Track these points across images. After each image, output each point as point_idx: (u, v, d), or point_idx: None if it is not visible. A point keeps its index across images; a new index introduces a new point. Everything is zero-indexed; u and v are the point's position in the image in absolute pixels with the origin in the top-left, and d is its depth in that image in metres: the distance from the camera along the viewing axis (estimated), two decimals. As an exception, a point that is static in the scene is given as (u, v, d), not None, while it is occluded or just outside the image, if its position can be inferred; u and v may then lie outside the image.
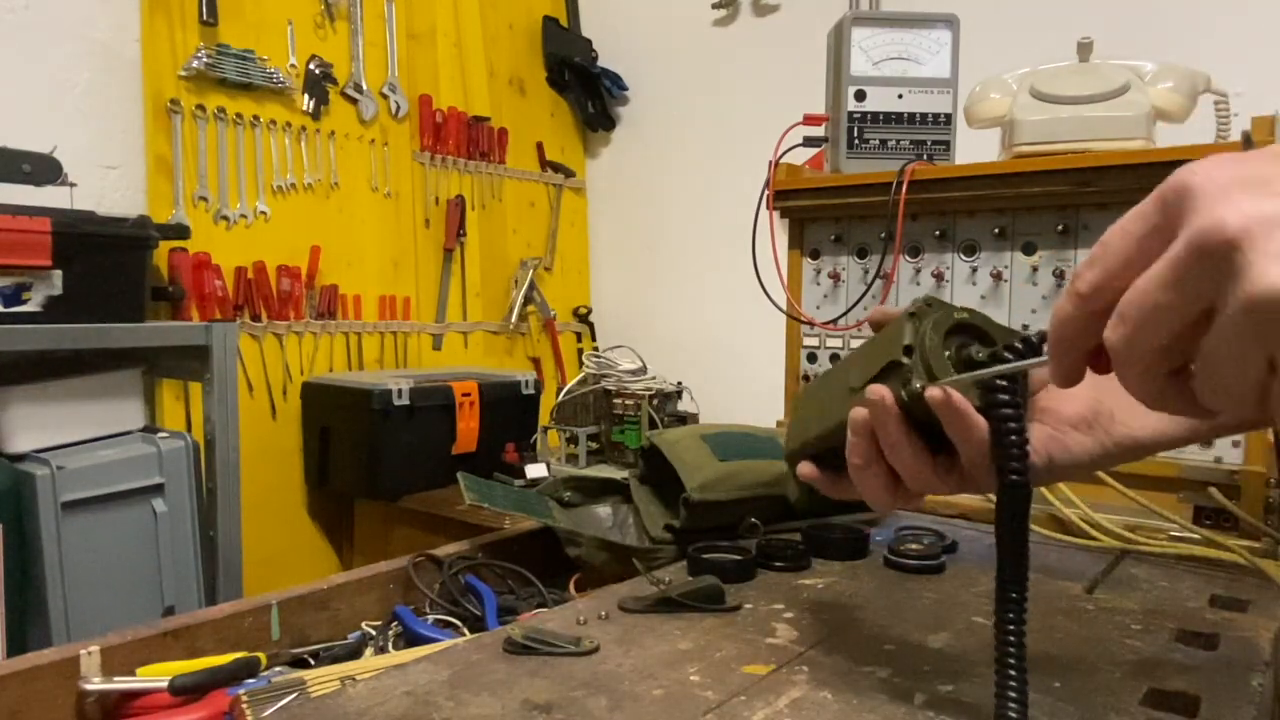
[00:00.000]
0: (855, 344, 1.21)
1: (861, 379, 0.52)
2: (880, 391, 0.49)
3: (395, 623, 0.79)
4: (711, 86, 2.68)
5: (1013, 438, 0.47)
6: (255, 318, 2.09)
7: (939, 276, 1.14)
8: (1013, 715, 0.47)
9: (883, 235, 1.14)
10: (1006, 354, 0.46)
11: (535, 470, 2.00)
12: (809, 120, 1.23)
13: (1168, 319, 0.35)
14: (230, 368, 1.70)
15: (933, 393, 0.47)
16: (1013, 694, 0.47)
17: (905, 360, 0.48)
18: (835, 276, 1.22)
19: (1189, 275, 0.34)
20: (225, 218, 2.04)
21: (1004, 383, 0.47)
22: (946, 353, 0.49)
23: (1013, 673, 0.47)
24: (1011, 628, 0.47)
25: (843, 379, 0.55)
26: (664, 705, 0.54)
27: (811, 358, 1.24)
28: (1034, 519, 1.00)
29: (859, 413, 0.51)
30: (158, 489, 1.60)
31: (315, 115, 2.21)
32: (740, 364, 2.29)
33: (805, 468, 0.59)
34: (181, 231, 1.88)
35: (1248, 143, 0.89)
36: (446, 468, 1.95)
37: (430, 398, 2.03)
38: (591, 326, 2.94)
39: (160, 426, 1.77)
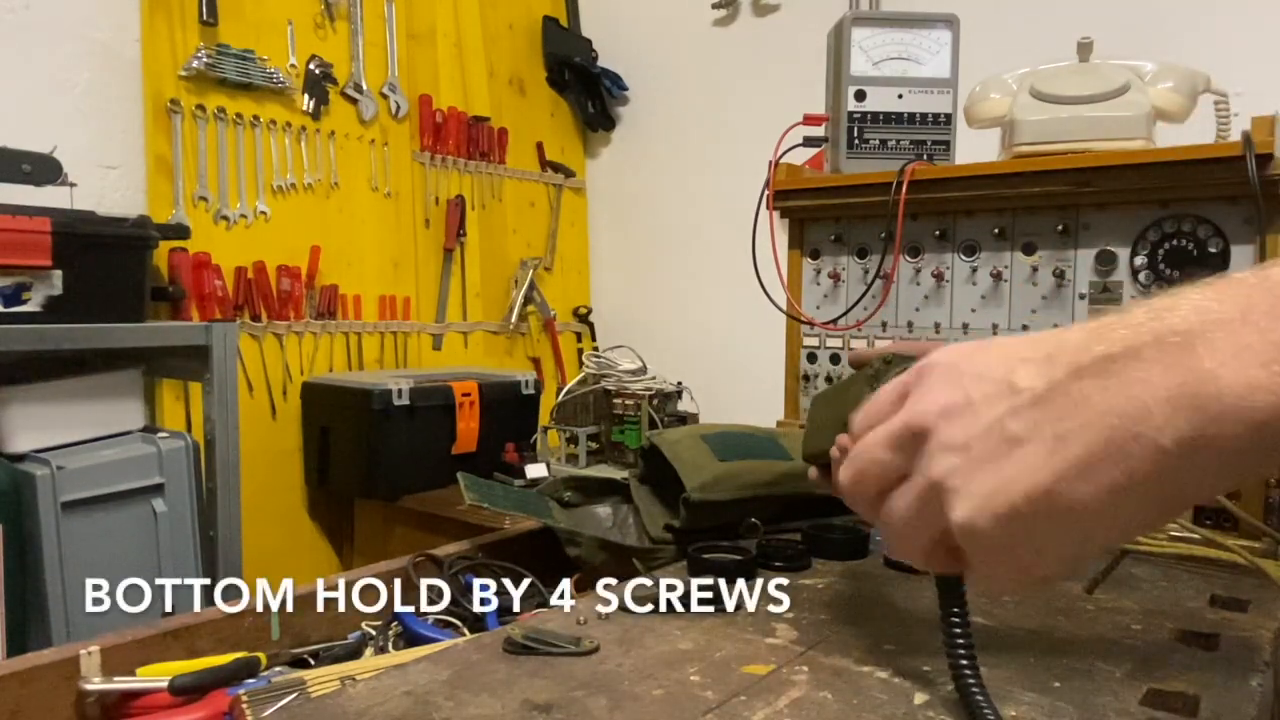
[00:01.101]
0: (855, 344, 1.21)
1: (838, 423, 0.57)
2: (843, 442, 0.54)
3: (395, 623, 0.79)
4: (711, 86, 2.67)
5: None
6: (255, 318, 2.09)
7: (939, 276, 1.14)
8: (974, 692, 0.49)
9: (883, 235, 1.14)
10: None
11: (535, 470, 1.99)
12: (809, 120, 1.23)
13: (879, 470, 0.43)
14: (230, 368, 1.70)
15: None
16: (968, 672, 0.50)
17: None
18: (835, 276, 1.22)
19: (899, 443, 0.42)
20: (225, 218, 2.04)
21: None
22: None
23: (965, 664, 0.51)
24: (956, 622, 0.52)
25: (840, 406, 0.60)
26: (664, 705, 0.54)
27: (811, 358, 1.24)
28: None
29: (834, 454, 0.56)
30: (158, 489, 1.60)
31: (315, 115, 2.21)
32: (740, 364, 2.29)
33: (813, 473, 0.67)
34: (181, 231, 1.88)
35: (1248, 143, 0.89)
36: (446, 468, 1.95)
37: (430, 398, 2.03)
38: (591, 326, 2.94)
39: (160, 426, 1.77)
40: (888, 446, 0.42)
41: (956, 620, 0.52)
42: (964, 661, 0.51)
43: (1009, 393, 0.37)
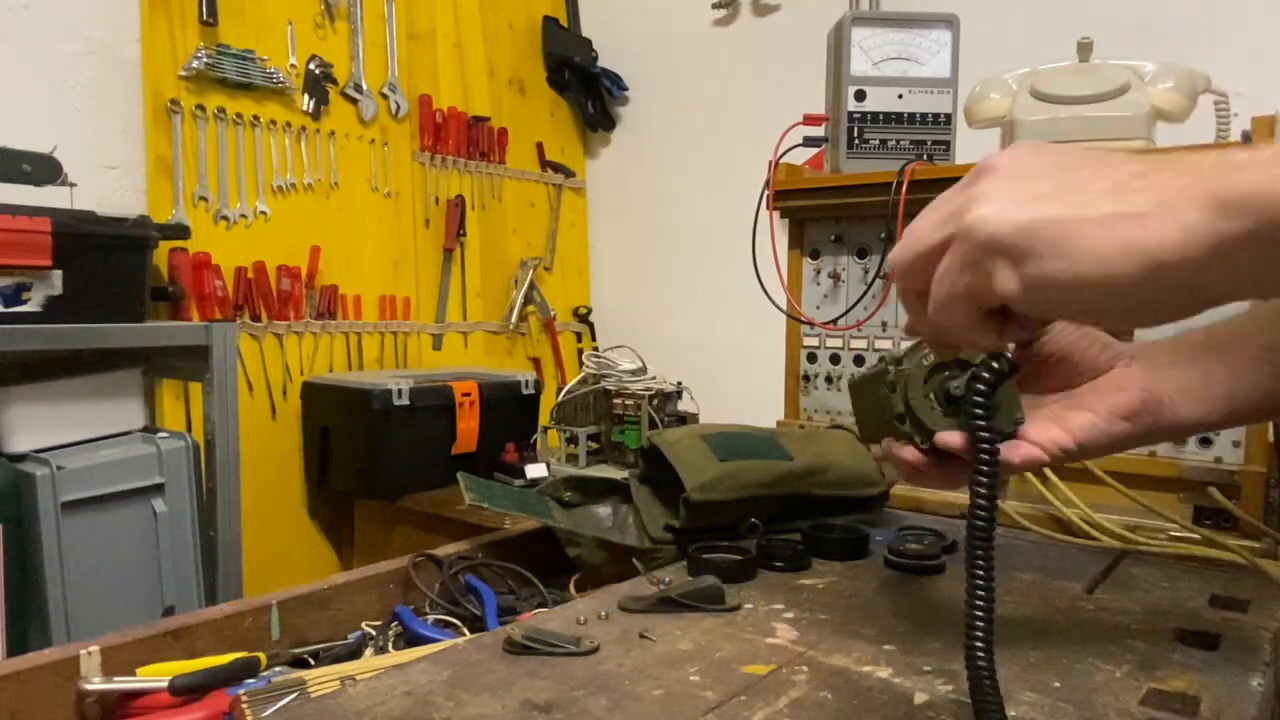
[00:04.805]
0: (855, 344, 1.21)
1: (875, 410, 0.63)
2: (901, 452, 0.60)
3: (395, 623, 0.79)
4: (711, 86, 2.67)
5: (984, 449, 0.53)
6: (255, 318, 2.09)
7: (939, 276, 1.14)
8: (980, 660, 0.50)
9: (883, 235, 1.14)
10: (978, 384, 0.54)
11: (535, 470, 1.99)
12: (809, 120, 1.23)
13: (925, 243, 0.47)
14: (230, 368, 1.70)
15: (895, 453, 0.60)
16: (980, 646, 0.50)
17: (903, 427, 0.59)
18: (835, 276, 1.22)
19: (945, 219, 0.46)
20: (225, 218, 2.04)
21: (979, 400, 0.54)
22: (928, 399, 0.58)
23: (979, 632, 0.50)
24: (981, 580, 0.51)
25: (871, 398, 0.64)
26: (664, 705, 0.54)
27: (811, 358, 1.25)
28: (1034, 519, 1.00)
29: (900, 461, 0.61)
30: (158, 489, 1.60)
31: (315, 115, 2.21)
32: (740, 364, 2.29)
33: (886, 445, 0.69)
34: (181, 231, 1.88)
35: (1247, 143, 0.89)
36: (446, 468, 1.95)
37: (430, 398, 2.03)
38: (591, 326, 2.94)
39: (160, 426, 1.77)
40: (936, 224, 0.46)
41: (980, 611, 0.51)
42: (980, 651, 0.50)
43: (1079, 158, 0.43)
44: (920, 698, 0.55)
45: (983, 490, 0.51)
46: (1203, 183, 0.40)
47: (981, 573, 0.50)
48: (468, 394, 2.08)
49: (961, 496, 1.05)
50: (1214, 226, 0.39)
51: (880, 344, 1.19)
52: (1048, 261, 0.42)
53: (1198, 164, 0.41)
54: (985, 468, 0.52)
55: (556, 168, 2.87)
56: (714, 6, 2.62)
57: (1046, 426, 0.57)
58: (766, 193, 1.21)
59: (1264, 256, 0.39)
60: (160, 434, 1.66)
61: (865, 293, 1.18)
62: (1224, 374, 0.60)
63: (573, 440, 2.01)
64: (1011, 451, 0.55)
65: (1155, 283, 0.41)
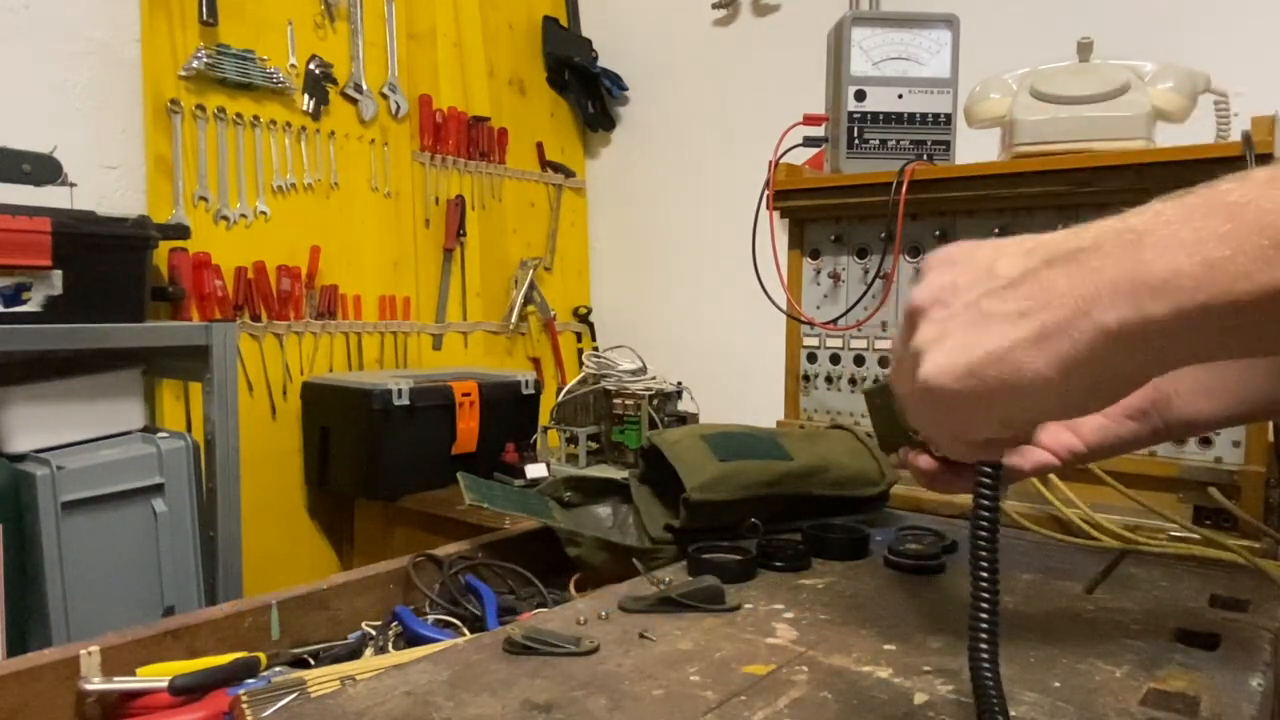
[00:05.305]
0: (855, 344, 1.21)
1: (900, 437, 0.67)
2: (919, 461, 0.63)
3: (395, 623, 0.79)
4: (711, 86, 2.67)
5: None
6: (255, 318, 2.09)
7: (939, 276, 1.14)
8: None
9: (883, 235, 1.14)
10: None
11: (535, 470, 1.99)
12: (809, 120, 1.23)
13: (896, 351, 0.48)
14: (230, 368, 1.70)
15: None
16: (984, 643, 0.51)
17: (918, 436, 0.63)
18: (835, 276, 1.22)
19: (907, 328, 0.47)
20: (225, 218, 2.04)
21: None
22: None
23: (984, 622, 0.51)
24: (985, 579, 0.51)
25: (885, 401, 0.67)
26: (664, 705, 0.54)
27: (811, 358, 1.24)
28: (1034, 519, 1.00)
29: (916, 469, 0.64)
30: (158, 489, 1.60)
31: (315, 115, 2.21)
32: (740, 364, 2.29)
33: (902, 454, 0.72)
34: (181, 231, 1.88)
35: (1248, 143, 0.89)
36: (446, 468, 1.95)
37: (430, 398, 2.03)
38: (591, 326, 2.94)
39: (160, 426, 1.77)
40: (901, 337, 0.48)
41: (985, 613, 0.52)
42: (984, 651, 0.51)
43: (989, 278, 0.42)
44: (920, 698, 0.55)
45: (986, 496, 0.52)
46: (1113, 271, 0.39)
47: (986, 576, 0.51)
48: (468, 394, 2.08)
49: (961, 497, 1.05)
50: (1139, 315, 0.38)
51: (880, 344, 1.19)
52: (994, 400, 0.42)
53: (1103, 244, 0.40)
54: (987, 471, 0.52)
55: (556, 168, 2.87)
56: (714, 6, 2.62)
57: (1057, 431, 0.58)
58: (766, 193, 1.21)
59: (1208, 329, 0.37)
60: (160, 434, 1.66)
61: (865, 293, 1.18)
62: (1236, 370, 0.60)
63: (573, 440, 2.01)
64: (1023, 458, 0.56)
65: (1104, 379, 0.40)
